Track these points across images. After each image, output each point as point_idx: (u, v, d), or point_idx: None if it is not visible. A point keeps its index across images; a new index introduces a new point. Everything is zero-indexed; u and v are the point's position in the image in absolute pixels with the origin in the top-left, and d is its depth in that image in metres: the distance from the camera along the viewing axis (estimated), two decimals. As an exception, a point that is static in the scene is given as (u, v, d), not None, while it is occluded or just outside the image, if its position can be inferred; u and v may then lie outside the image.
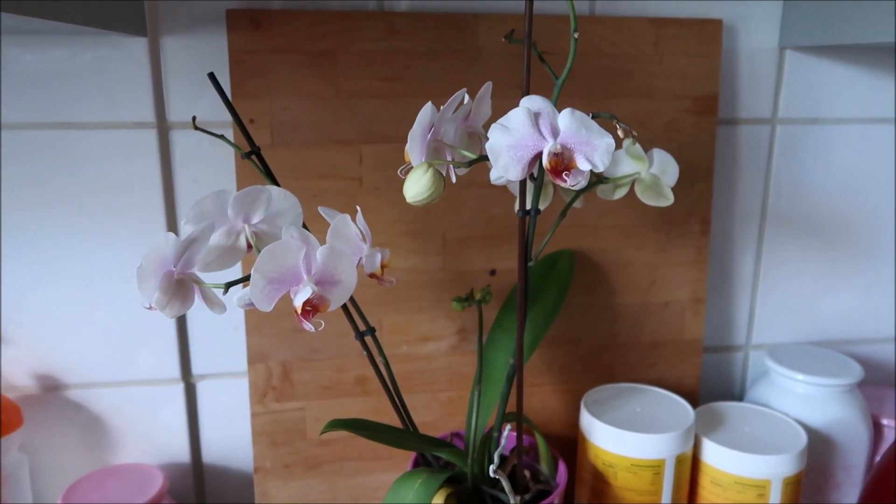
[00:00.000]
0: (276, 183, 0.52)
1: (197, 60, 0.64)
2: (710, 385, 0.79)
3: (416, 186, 0.42)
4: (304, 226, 0.51)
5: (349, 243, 0.45)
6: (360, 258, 0.47)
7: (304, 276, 0.42)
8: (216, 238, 0.48)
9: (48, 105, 0.63)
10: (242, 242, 0.48)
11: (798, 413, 0.68)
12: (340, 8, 0.64)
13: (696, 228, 0.71)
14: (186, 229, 0.45)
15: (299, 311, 0.41)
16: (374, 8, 0.65)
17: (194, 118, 0.51)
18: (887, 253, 0.78)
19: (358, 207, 0.48)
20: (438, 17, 0.64)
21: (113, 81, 0.63)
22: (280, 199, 0.48)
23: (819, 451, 0.67)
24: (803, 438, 0.63)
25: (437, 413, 0.70)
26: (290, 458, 0.68)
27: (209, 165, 0.67)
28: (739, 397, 0.80)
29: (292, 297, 0.42)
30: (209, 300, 0.45)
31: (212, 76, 0.50)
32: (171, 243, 0.42)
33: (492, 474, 0.52)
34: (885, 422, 0.71)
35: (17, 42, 0.61)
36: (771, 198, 0.75)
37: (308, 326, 0.41)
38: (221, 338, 0.70)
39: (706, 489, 0.64)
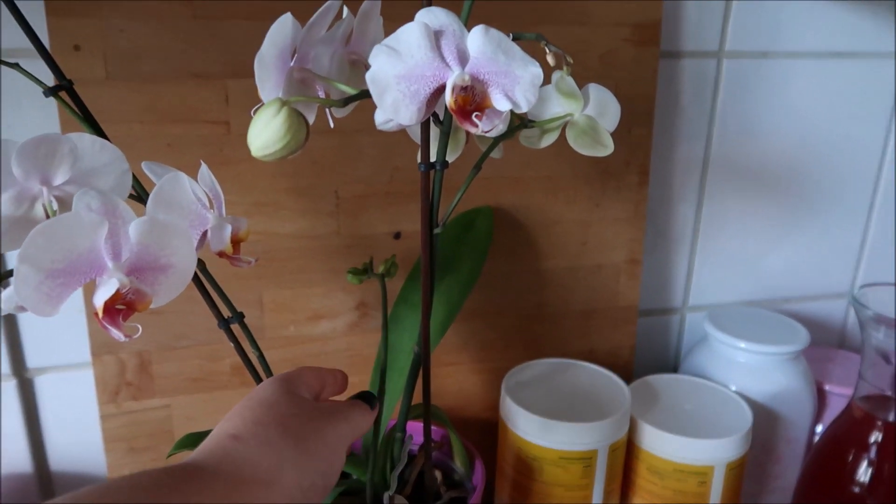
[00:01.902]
0: (96, 128, 0.39)
1: (-2, -37, 0.48)
2: (643, 352, 0.72)
3: (265, 133, 0.30)
4: (138, 187, 0.38)
5: (184, 212, 0.33)
6: (205, 231, 0.35)
7: (109, 264, 0.29)
8: (2, 206, 0.34)
9: None
10: (39, 211, 0.35)
11: (739, 384, 0.62)
12: None
13: (633, 180, 0.62)
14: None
15: (101, 314, 0.29)
16: None
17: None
18: (836, 203, 0.72)
19: (203, 162, 0.35)
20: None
21: None
22: (94, 151, 0.35)
23: (761, 425, 0.61)
24: (748, 418, 0.56)
25: (336, 401, 0.59)
26: (156, 465, 0.56)
27: (29, 104, 0.52)
28: (674, 365, 0.74)
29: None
30: (-22, 296, 0.32)
31: (-8, -21, 0.36)
32: None
33: (386, 502, 0.42)
34: (828, 388, 0.66)
35: None
36: (714, 143, 0.67)
37: (117, 335, 0.29)
38: (61, 323, 0.56)
39: (642, 477, 0.57)
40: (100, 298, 0.29)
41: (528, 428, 0.53)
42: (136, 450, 0.55)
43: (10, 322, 0.55)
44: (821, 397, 0.66)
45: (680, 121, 0.65)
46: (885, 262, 0.75)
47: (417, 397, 0.48)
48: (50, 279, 0.28)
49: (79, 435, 0.59)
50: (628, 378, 0.65)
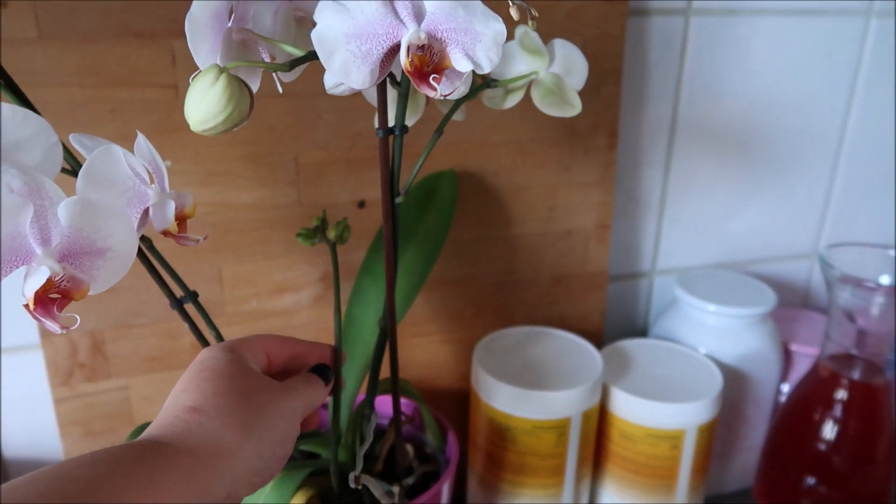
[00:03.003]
0: (20, 96, 0.36)
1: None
2: (612, 316, 0.71)
3: (204, 105, 0.27)
4: (72, 161, 0.35)
5: (118, 189, 0.30)
6: (146, 208, 0.32)
7: (37, 250, 0.27)
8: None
9: None
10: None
11: (708, 346, 0.61)
12: None
13: (602, 142, 0.60)
14: None
15: (32, 306, 0.26)
16: None
17: None
18: (801, 164, 0.71)
19: (139, 133, 0.33)
20: None
21: None
22: (16, 122, 0.32)
23: (730, 386, 0.61)
24: (719, 380, 0.56)
25: (303, 376, 0.58)
26: (116, 448, 0.54)
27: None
28: (643, 328, 0.73)
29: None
30: None
31: None
32: None
33: (352, 485, 0.40)
34: (793, 348, 0.66)
35: None
36: (682, 104, 0.65)
37: (52, 327, 0.27)
38: (7, 300, 0.53)
39: (615, 443, 0.56)
40: (29, 288, 0.26)
41: (501, 398, 0.52)
42: (93, 433, 0.53)
43: (-49, 304, 0.52)
44: (786, 357, 0.66)
45: (647, 82, 0.63)
46: (847, 223, 0.75)
47: (385, 371, 0.46)
48: (-31, 267, 0.26)
49: (32, 419, 0.56)
50: (599, 343, 0.65)
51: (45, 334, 0.50)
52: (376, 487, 0.41)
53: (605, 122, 0.60)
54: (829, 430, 0.58)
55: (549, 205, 0.60)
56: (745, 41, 0.64)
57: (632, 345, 0.62)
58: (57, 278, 0.27)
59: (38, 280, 0.26)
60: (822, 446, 0.58)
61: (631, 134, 0.65)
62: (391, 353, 0.44)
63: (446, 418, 0.53)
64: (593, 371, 0.54)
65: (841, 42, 0.67)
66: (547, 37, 0.41)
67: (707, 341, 0.62)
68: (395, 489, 0.44)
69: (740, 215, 0.71)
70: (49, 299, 0.27)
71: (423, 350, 0.60)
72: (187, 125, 0.50)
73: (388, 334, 0.43)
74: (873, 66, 0.69)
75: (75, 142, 0.32)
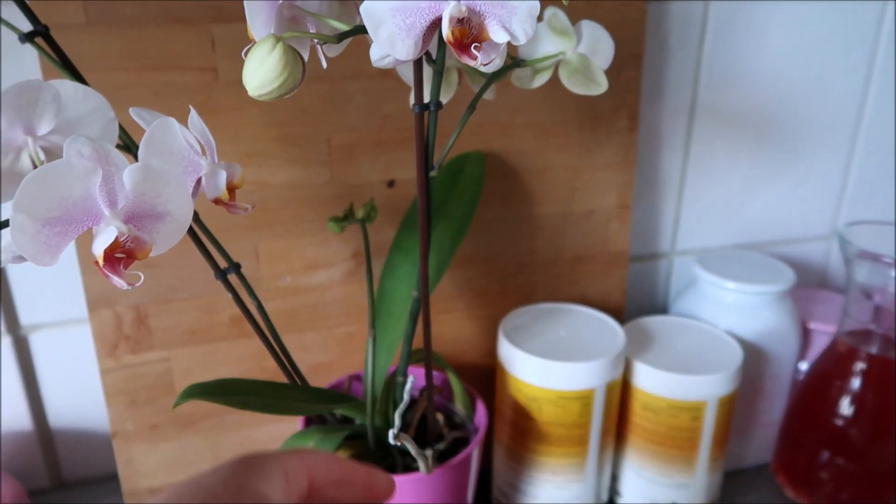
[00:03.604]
0: (77, 75, 0.38)
1: None
2: (632, 296, 0.73)
3: (262, 71, 0.29)
4: (125, 137, 0.37)
5: (176, 158, 0.33)
6: (199, 178, 0.34)
7: (105, 211, 0.29)
8: (-13, 157, 0.33)
9: None
10: (26, 163, 0.34)
11: (728, 324, 0.63)
12: None
13: (623, 124, 0.61)
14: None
15: (101, 263, 0.29)
16: None
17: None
18: (818, 147, 0.72)
19: (192, 108, 0.35)
20: None
21: None
22: (78, 98, 0.34)
23: (749, 362, 0.62)
24: (738, 354, 0.58)
25: (335, 352, 0.60)
26: (158, 418, 0.57)
27: (5, 52, 0.50)
28: (663, 308, 0.75)
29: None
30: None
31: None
32: None
33: (392, 441, 0.42)
34: (812, 326, 0.67)
35: None
36: (701, 88, 0.67)
37: (119, 283, 0.29)
38: (54, 277, 0.56)
39: (637, 415, 0.58)
40: (99, 247, 0.29)
41: (527, 370, 0.54)
42: (136, 403, 0.56)
43: (1, 279, 0.55)
44: (804, 335, 0.67)
45: (667, 66, 0.65)
46: (864, 205, 0.76)
47: (417, 342, 0.48)
48: (47, 228, 0.28)
49: (77, 391, 0.59)
50: (620, 322, 0.66)
51: (92, 307, 0.53)
52: (413, 446, 0.43)
53: (626, 105, 0.61)
54: (846, 405, 0.59)
55: (571, 185, 0.62)
56: (764, 25, 0.66)
57: (652, 321, 0.63)
58: (123, 238, 0.29)
59: (107, 238, 0.28)
60: (840, 421, 0.60)
61: (651, 117, 0.66)
62: (424, 322, 0.46)
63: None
64: (616, 344, 0.55)
65: (858, 25, 0.68)
66: (570, 19, 0.42)
67: (726, 319, 0.63)
68: (428, 453, 0.46)
69: (758, 197, 0.73)
70: (115, 258, 0.29)
71: (450, 326, 0.62)
72: (226, 107, 0.53)
73: (422, 304, 0.45)
74: (890, 49, 0.70)
75: (135, 115, 0.34)
